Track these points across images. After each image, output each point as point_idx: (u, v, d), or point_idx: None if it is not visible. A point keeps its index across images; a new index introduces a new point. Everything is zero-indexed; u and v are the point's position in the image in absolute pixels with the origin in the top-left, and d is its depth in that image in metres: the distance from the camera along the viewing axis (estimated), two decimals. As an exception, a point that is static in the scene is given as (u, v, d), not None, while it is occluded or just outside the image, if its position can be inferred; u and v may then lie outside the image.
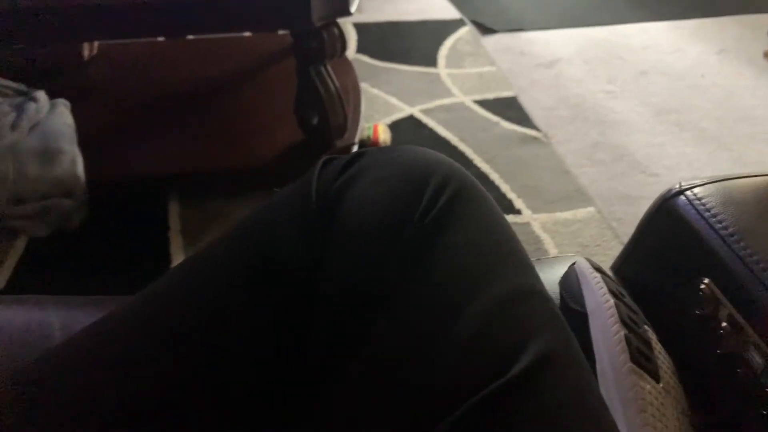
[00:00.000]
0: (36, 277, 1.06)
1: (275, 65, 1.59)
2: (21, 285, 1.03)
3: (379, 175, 0.33)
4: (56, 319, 0.45)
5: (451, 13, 2.23)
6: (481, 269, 0.30)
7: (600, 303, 0.40)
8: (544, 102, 1.64)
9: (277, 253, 0.31)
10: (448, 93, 1.67)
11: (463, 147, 1.43)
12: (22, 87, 1.39)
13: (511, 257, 0.32)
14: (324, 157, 0.35)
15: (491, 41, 1.99)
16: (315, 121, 1.26)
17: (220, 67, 1.57)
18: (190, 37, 1.85)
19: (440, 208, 0.31)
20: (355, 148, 1.34)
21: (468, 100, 1.63)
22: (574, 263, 0.48)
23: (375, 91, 1.67)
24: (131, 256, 1.12)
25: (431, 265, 0.30)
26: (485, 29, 2.07)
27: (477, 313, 0.28)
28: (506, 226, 0.35)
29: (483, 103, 1.61)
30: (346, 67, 1.55)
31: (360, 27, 2.01)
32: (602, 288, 0.42)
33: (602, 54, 1.90)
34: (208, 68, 1.56)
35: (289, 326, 0.30)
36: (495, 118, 1.55)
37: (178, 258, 1.13)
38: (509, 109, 1.60)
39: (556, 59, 1.87)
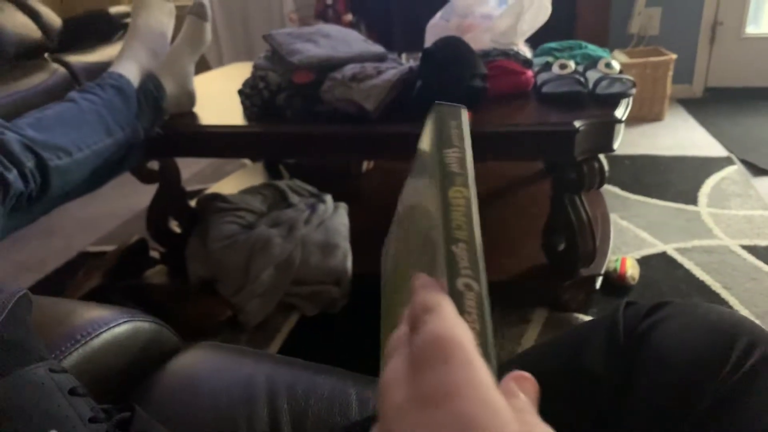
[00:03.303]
0: (303, 347, 1.24)
1: (525, 188, 1.68)
2: (291, 351, 1.21)
3: (685, 326, 0.35)
4: (353, 392, 0.54)
5: (717, 150, 2.10)
6: None
7: None
8: (837, 257, 1.41)
9: (585, 362, 0.38)
10: (708, 234, 1.54)
11: (725, 295, 1.29)
12: (314, 190, 1.71)
13: None
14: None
15: (765, 183, 1.81)
16: (561, 247, 1.28)
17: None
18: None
19: (748, 372, 0.32)
20: (599, 280, 1.32)
21: (734, 244, 1.48)
22: None
23: (624, 223, 1.63)
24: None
25: (738, 423, 0.31)
26: (758, 170, 1.89)
27: None
28: None
29: (753, 250, 1.45)
30: (596, 197, 1.56)
31: (611, 158, 2.01)
32: None
33: None
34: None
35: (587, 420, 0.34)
36: (768, 269, 1.38)
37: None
38: (787, 260, 1.41)
39: None
